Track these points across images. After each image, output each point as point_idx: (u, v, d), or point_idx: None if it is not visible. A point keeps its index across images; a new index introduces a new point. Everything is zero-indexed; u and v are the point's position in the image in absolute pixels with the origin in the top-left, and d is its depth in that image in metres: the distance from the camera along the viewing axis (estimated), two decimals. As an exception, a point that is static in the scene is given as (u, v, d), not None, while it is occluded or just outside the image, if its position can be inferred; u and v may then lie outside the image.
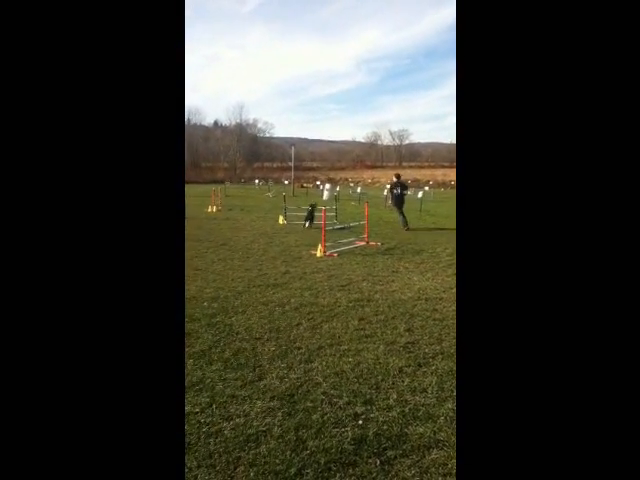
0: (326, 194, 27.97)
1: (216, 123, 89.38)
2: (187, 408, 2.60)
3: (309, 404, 2.68)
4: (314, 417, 2.53)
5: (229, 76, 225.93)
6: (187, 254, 7.77)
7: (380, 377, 3.05)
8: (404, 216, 11.87)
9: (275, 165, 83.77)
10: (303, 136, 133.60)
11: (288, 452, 2.21)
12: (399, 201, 12.06)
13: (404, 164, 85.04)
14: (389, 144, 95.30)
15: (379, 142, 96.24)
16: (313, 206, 12.06)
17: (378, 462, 2.15)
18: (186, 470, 2.07)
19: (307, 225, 11.51)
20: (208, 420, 2.49)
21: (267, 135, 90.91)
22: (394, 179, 12.60)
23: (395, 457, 2.19)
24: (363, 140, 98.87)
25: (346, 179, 64.94)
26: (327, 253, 7.88)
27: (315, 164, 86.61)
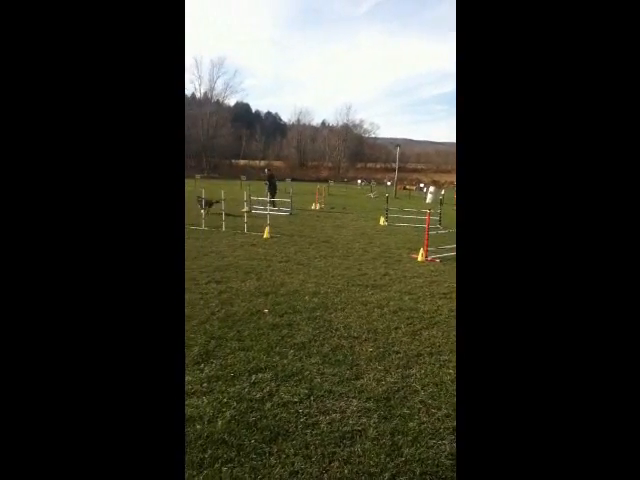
0: (429, 197, 27.12)
1: (323, 123, 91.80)
2: (286, 397, 2.71)
3: (406, 411, 2.62)
4: (410, 425, 2.47)
5: (341, 77, 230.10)
6: (291, 249, 8.09)
7: (483, 394, 2.88)
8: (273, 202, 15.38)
9: (378, 166, 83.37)
10: (409, 137, 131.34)
11: (383, 456, 2.19)
12: (272, 190, 16.18)
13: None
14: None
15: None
16: (210, 201, 13.50)
17: (478, 483, 2.02)
18: (284, 456, 2.15)
19: (204, 210, 12.40)
20: (306, 411, 2.56)
21: (372, 136, 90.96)
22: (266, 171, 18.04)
23: (497, 481, 2.04)
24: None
25: (452, 182, 62.34)
26: (429, 258, 7.64)
27: (420, 166, 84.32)
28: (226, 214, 10.78)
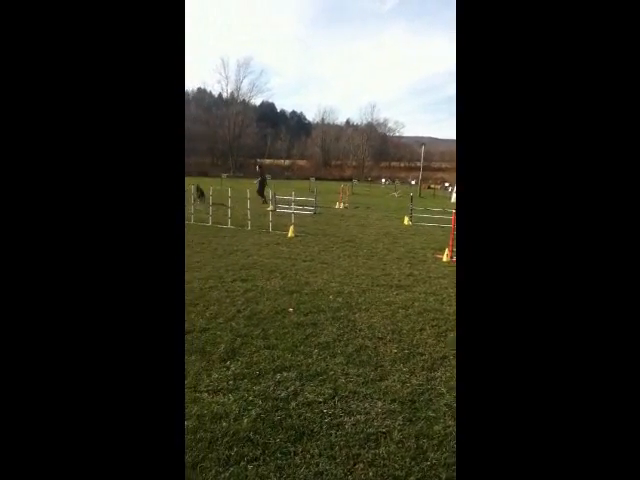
0: (454, 196, 26.74)
1: (348, 122, 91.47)
2: (311, 397, 2.72)
3: (431, 413, 2.59)
4: (436, 428, 2.44)
5: (366, 76, 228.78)
6: (315, 248, 8.10)
7: (511, 399, 2.82)
8: (263, 196, 16.16)
9: (402, 164, 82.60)
10: (434, 135, 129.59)
11: (408, 459, 2.17)
12: (261, 186, 16.74)
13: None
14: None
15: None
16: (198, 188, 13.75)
17: (506, 490, 1.99)
18: (308, 456, 2.16)
19: (199, 202, 12.44)
20: (330, 412, 2.57)
21: (397, 134, 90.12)
22: (258, 168, 18.49)
23: (526, 489, 2.00)
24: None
25: (478, 182, 60.97)
26: (454, 259, 7.52)
27: (444, 165, 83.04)
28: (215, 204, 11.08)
